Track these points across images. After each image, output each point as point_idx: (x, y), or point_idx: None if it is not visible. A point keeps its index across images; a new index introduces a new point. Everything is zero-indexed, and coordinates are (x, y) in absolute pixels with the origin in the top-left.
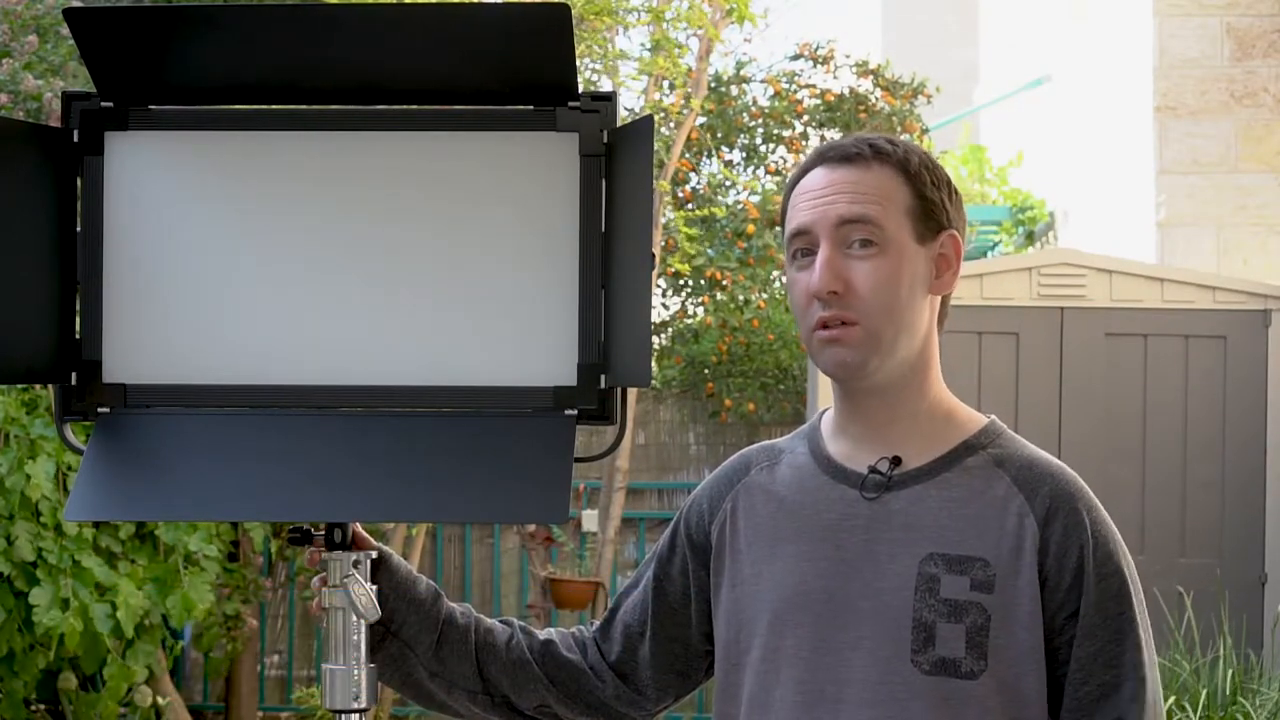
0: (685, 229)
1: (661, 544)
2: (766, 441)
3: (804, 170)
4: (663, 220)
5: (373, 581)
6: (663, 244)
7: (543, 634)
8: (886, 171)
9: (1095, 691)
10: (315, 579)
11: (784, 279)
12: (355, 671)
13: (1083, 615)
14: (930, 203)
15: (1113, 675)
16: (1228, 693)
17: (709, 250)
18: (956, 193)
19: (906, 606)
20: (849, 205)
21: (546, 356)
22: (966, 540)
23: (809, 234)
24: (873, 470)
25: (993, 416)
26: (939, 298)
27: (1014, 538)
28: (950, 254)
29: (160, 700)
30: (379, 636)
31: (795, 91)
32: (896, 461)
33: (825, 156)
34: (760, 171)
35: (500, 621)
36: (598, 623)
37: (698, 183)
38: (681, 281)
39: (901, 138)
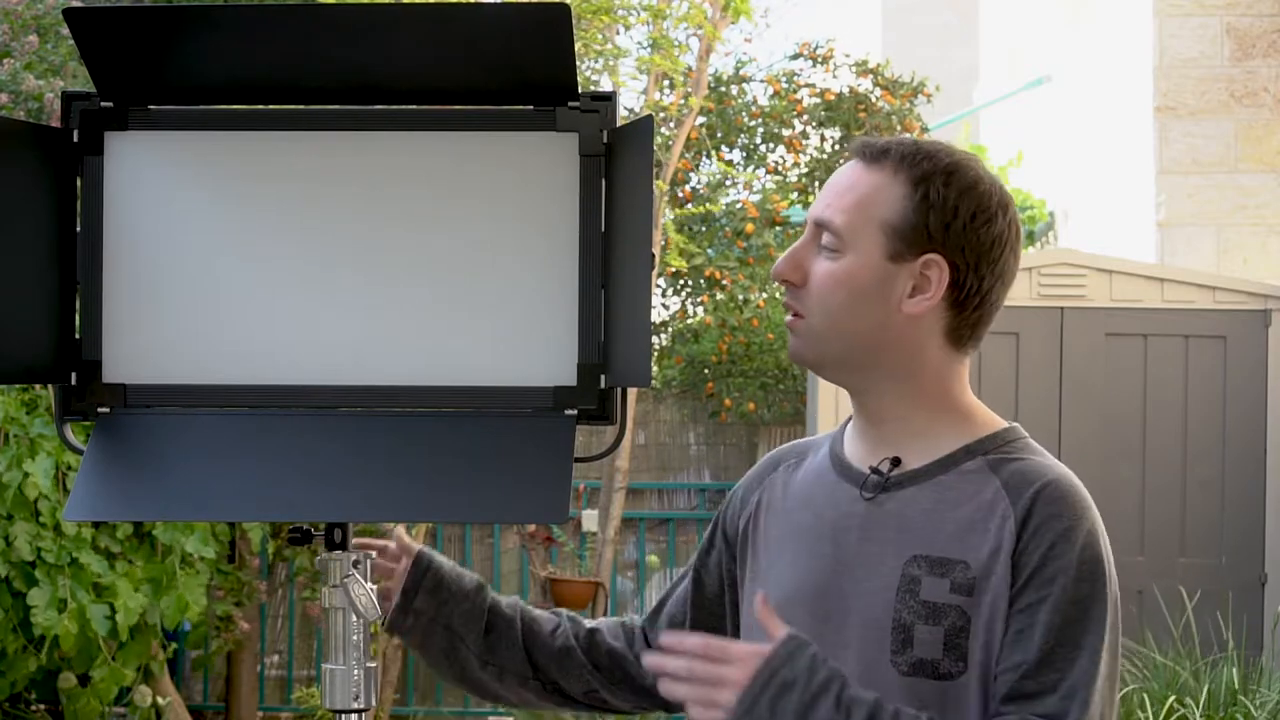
0: (676, 234)
1: (704, 537)
2: (801, 440)
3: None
4: (663, 220)
5: (420, 581)
6: (662, 244)
7: (590, 622)
8: (885, 178)
9: (1033, 686)
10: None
11: None
12: (355, 671)
13: (1045, 611)
14: (915, 224)
15: (1054, 678)
16: (1228, 693)
17: (709, 250)
18: (986, 225)
19: (888, 607)
20: (824, 208)
21: (546, 357)
22: (950, 543)
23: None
24: (873, 470)
25: (1014, 425)
26: (937, 314)
27: (995, 539)
28: (931, 278)
29: (160, 700)
30: (429, 631)
31: (795, 91)
32: (896, 462)
33: (851, 148)
34: (760, 171)
35: (550, 612)
36: (648, 612)
37: (697, 182)
38: (681, 281)
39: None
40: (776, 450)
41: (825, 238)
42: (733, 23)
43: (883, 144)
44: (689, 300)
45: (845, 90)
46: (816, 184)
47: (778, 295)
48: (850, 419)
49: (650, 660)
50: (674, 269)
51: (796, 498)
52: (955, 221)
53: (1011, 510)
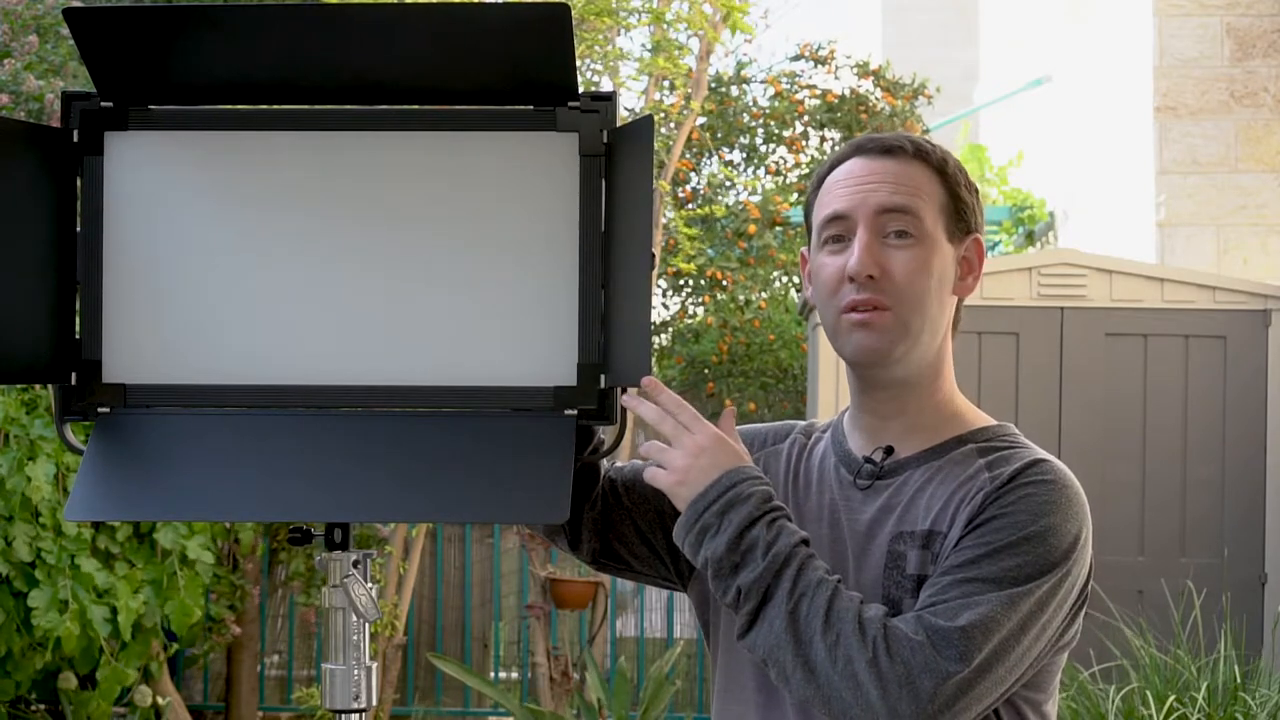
0: (685, 229)
1: None
2: (814, 423)
3: (838, 160)
4: (663, 220)
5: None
6: (663, 244)
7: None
8: (924, 168)
9: (938, 599)
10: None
11: (784, 279)
12: (355, 671)
13: (980, 545)
14: (962, 203)
15: (957, 601)
16: (1228, 691)
17: (709, 250)
18: (980, 199)
19: (877, 584)
20: (889, 195)
21: (546, 356)
22: (932, 517)
23: (846, 219)
24: (867, 459)
25: (1009, 425)
26: (957, 300)
27: (970, 508)
28: (973, 257)
29: (160, 700)
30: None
31: (796, 92)
32: (890, 451)
33: (863, 148)
34: (760, 171)
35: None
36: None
37: (698, 183)
38: (682, 281)
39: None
40: (791, 423)
41: (897, 225)
42: (731, 35)
43: (891, 138)
44: (689, 300)
45: (846, 92)
46: None
47: (778, 295)
48: (847, 409)
49: (627, 401)
50: (675, 269)
51: (799, 477)
52: (979, 203)
53: (989, 481)
